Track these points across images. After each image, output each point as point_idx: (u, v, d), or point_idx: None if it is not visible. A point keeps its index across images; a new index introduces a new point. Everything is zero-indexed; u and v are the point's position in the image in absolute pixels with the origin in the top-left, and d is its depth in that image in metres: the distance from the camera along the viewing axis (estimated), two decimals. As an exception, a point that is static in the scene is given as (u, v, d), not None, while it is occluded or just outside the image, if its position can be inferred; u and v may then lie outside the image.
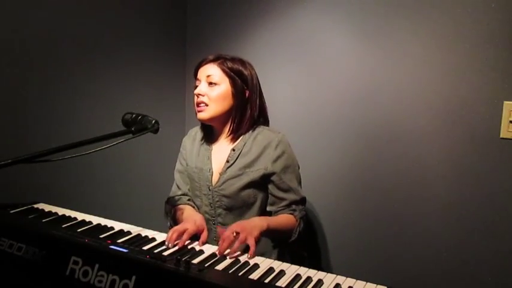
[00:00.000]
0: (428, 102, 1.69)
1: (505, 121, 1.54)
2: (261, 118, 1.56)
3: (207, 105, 1.46)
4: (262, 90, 1.56)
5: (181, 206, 1.54)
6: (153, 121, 1.26)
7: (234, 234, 1.20)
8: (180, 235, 1.23)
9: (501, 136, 1.56)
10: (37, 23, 1.65)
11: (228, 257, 1.13)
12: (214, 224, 1.51)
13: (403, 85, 1.74)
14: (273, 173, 1.46)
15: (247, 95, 1.50)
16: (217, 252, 1.15)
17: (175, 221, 1.50)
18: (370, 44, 1.80)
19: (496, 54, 1.54)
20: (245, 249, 1.18)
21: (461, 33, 1.60)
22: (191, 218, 1.40)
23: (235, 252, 1.14)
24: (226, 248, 1.15)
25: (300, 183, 1.53)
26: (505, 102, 1.54)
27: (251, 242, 1.18)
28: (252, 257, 1.14)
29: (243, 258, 1.13)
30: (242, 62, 1.51)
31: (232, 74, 1.47)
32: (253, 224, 1.29)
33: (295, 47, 1.99)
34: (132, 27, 2.03)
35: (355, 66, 1.84)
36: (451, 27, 1.62)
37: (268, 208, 1.50)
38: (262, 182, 1.47)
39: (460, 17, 1.60)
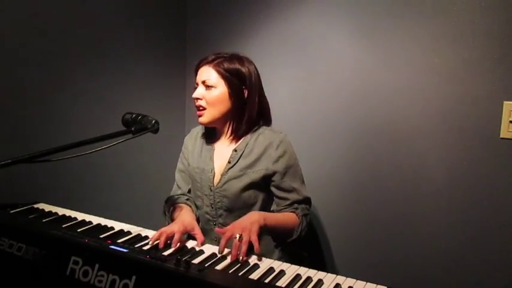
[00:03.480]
0: (428, 102, 1.69)
1: (505, 121, 1.54)
2: (263, 118, 1.54)
3: (205, 108, 1.45)
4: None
5: (178, 206, 1.52)
6: (153, 121, 1.26)
7: (237, 237, 1.17)
8: (168, 238, 1.20)
9: (501, 136, 1.56)
10: (37, 23, 1.65)
11: (228, 257, 1.13)
12: (215, 224, 1.50)
13: (403, 85, 1.74)
14: (274, 173, 1.45)
15: (246, 94, 1.48)
16: (217, 252, 1.15)
17: (173, 220, 1.48)
18: (370, 44, 1.80)
19: (496, 54, 1.54)
20: (249, 249, 1.17)
21: (460, 33, 1.60)
22: (179, 218, 1.37)
23: (244, 255, 1.13)
24: (236, 255, 1.13)
25: (303, 182, 1.51)
26: (505, 102, 1.54)
27: (254, 238, 1.17)
28: (258, 252, 1.13)
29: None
30: (240, 60, 1.48)
31: (228, 75, 1.44)
32: (252, 220, 1.26)
33: (295, 47, 1.99)
34: (132, 27, 2.03)
35: (355, 66, 1.84)
36: (450, 27, 1.62)
37: (272, 208, 1.51)
38: (263, 183, 1.47)
39: (459, 17, 1.60)
